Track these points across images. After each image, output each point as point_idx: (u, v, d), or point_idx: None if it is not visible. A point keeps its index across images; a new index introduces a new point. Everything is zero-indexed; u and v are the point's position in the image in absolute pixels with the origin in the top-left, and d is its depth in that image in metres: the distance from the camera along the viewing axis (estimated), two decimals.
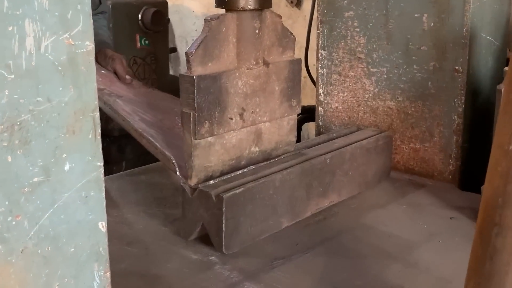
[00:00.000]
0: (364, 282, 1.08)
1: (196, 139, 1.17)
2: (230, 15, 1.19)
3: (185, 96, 1.16)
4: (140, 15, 2.77)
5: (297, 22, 3.20)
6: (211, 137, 1.20)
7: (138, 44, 2.80)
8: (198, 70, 1.15)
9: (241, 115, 1.24)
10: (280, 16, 1.30)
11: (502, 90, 0.63)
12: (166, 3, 2.94)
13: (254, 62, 1.24)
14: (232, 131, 1.23)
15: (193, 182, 1.20)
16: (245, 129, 1.26)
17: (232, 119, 1.22)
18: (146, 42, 2.82)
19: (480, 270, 0.62)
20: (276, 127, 1.34)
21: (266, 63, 1.27)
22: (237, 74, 1.21)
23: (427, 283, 1.08)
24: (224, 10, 1.21)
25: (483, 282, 0.62)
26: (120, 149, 2.63)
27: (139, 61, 2.82)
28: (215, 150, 1.22)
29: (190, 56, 1.14)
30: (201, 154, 1.19)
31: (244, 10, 1.19)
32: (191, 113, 1.15)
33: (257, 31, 1.22)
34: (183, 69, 2.89)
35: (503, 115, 0.60)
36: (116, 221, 1.31)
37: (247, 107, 1.25)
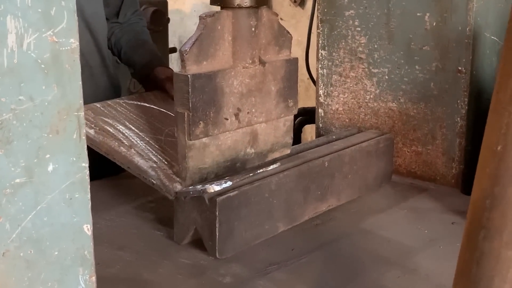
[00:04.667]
0: None
1: (190, 140, 1.15)
2: (226, 12, 1.16)
3: (179, 95, 1.13)
4: None
5: (300, 21, 3.18)
6: (206, 138, 1.17)
7: None
8: (192, 69, 1.12)
9: (236, 115, 1.22)
10: (276, 14, 1.27)
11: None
12: (166, 2, 2.92)
13: (250, 61, 1.21)
14: (227, 132, 1.21)
15: (187, 184, 1.17)
16: (240, 130, 1.24)
17: (227, 119, 1.19)
18: None
19: (467, 274, 0.61)
20: (272, 128, 1.31)
21: (262, 62, 1.24)
22: (232, 73, 1.19)
23: None
24: (219, 7, 1.18)
25: (470, 287, 0.60)
26: None
27: None
28: (209, 151, 1.19)
29: (184, 55, 1.11)
30: (196, 155, 1.17)
31: (240, 7, 1.16)
32: (186, 113, 1.13)
33: (253, 29, 1.19)
34: None
35: (492, 114, 0.58)
36: (107, 224, 1.29)
37: (242, 107, 1.22)
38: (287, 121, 1.34)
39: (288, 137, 1.35)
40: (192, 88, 1.12)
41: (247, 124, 1.24)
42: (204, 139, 1.17)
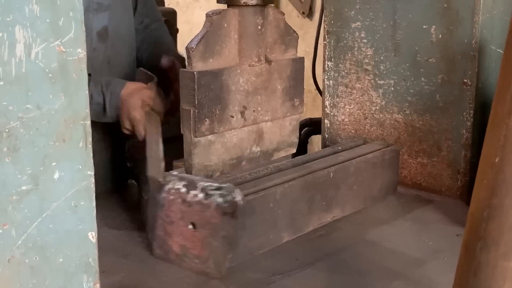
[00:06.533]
0: None
1: (196, 137, 1.14)
2: (232, 10, 1.17)
3: (186, 92, 1.14)
4: None
5: (308, 33, 3.19)
6: (212, 135, 1.17)
7: None
8: (198, 66, 1.13)
9: (242, 113, 1.22)
10: (283, 13, 1.27)
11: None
12: (175, 13, 2.95)
13: (256, 59, 1.21)
14: (233, 130, 1.21)
15: None
16: (246, 128, 1.24)
17: (233, 117, 1.19)
18: None
19: (464, 285, 0.61)
20: (278, 127, 1.31)
21: (268, 61, 1.24)
22: (238, 71, 1.19)
23: None
24: (226, 5, 1.19)
25: None
26: None
27: None
28: (215, 149, 1.19)
29: (190, 52, 1.12)
30: (201, 152, 1.17)
31: (246, 5, 1.17)
32: (191, 110, 1.13)
33: (259, 27, 1.20)
34: None
35: (490, 127, 0.59)
36: (113, 232, 1.30)
37: (248, 105, 1.22)
38: (293, 120, 1.34)
39: (294, 136, 1.35)
40: (198, 85, 1.12)
41: (253, 122, 1.24)
42: (209, 136, 1.17)
